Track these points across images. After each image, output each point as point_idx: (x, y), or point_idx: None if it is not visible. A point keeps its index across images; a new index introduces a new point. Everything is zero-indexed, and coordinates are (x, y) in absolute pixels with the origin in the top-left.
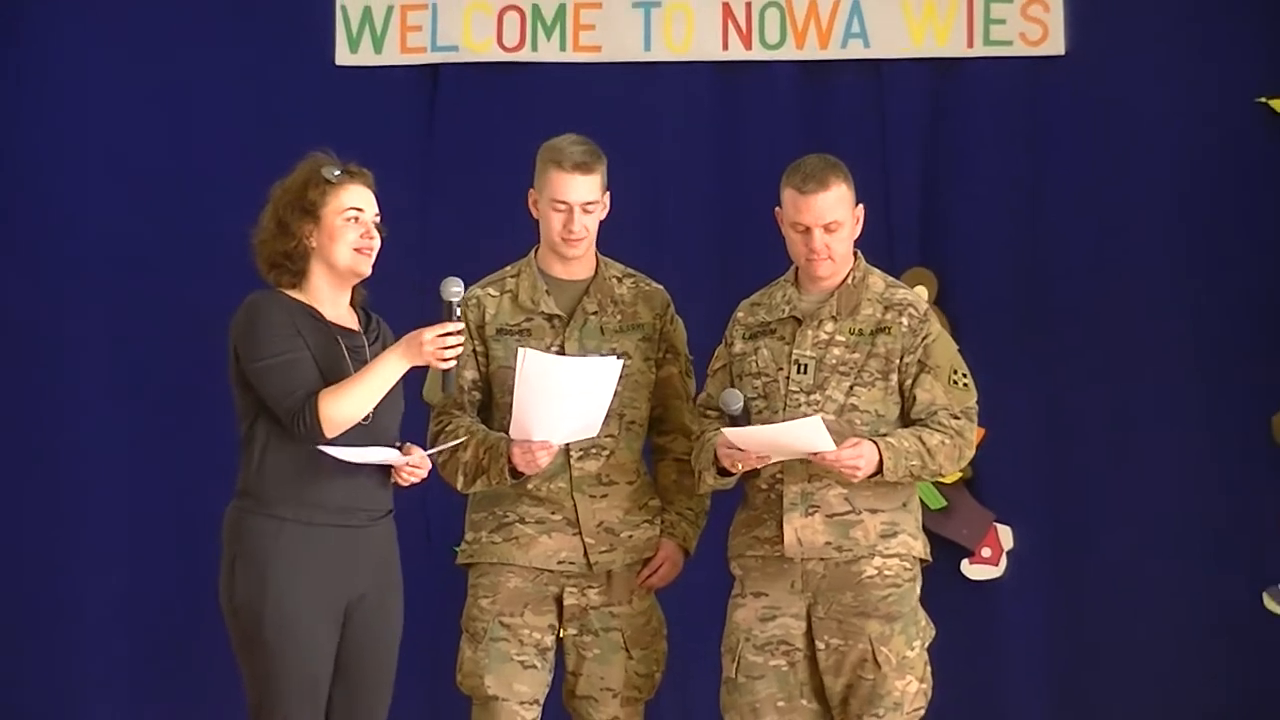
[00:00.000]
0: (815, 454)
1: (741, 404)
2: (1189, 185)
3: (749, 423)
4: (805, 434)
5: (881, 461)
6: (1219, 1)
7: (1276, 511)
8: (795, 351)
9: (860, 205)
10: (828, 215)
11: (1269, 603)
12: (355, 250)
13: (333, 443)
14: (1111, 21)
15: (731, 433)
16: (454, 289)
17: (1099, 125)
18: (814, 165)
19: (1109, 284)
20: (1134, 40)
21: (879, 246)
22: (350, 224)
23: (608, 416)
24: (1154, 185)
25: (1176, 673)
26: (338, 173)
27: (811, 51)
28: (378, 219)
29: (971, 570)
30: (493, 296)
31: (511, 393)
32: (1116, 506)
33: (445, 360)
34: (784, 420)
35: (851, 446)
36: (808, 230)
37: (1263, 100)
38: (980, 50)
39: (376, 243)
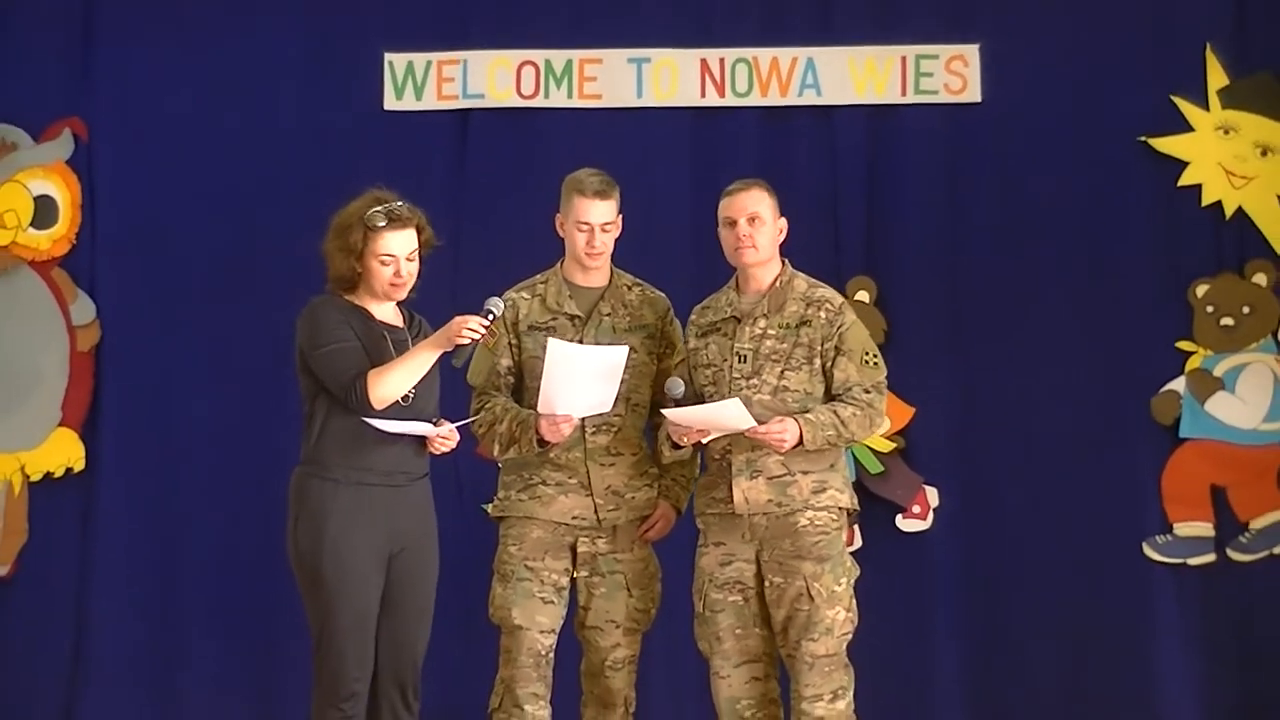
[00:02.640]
0: (745, 430)
1: (682, 390)
2: (1082, 208)
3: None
4: (729, 413)
5: (802, 434)
6: (1108, 57)
7: (1154, 476)
8: (736, 345)
9: (783, 218)
10: (750, 208)
11: (1147, 551)
12: (390, 285)
13: (379, 416)
14: (1019, 75)
15: (671, 413)
16: (495, 301)
17: (1008, 160)
18: (739, 180)
19: (1017, 288)
20: (1037, 90)
21: (828, 258)
22: (384, 267)
23: (617, 398)
24: (1053, 208)
25: (1071, 607)
26: (381, 222)
27: (774, 99)
28: (417, 254)
29: (904, 524)
30: (525, 299)
31: (539, 378)
32: (1023, 472)
33: (463, 339)
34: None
35: (777, 423)
36: (733, 223)
37: (1143, 139)
38: (912, 98)
39: (408, 279)
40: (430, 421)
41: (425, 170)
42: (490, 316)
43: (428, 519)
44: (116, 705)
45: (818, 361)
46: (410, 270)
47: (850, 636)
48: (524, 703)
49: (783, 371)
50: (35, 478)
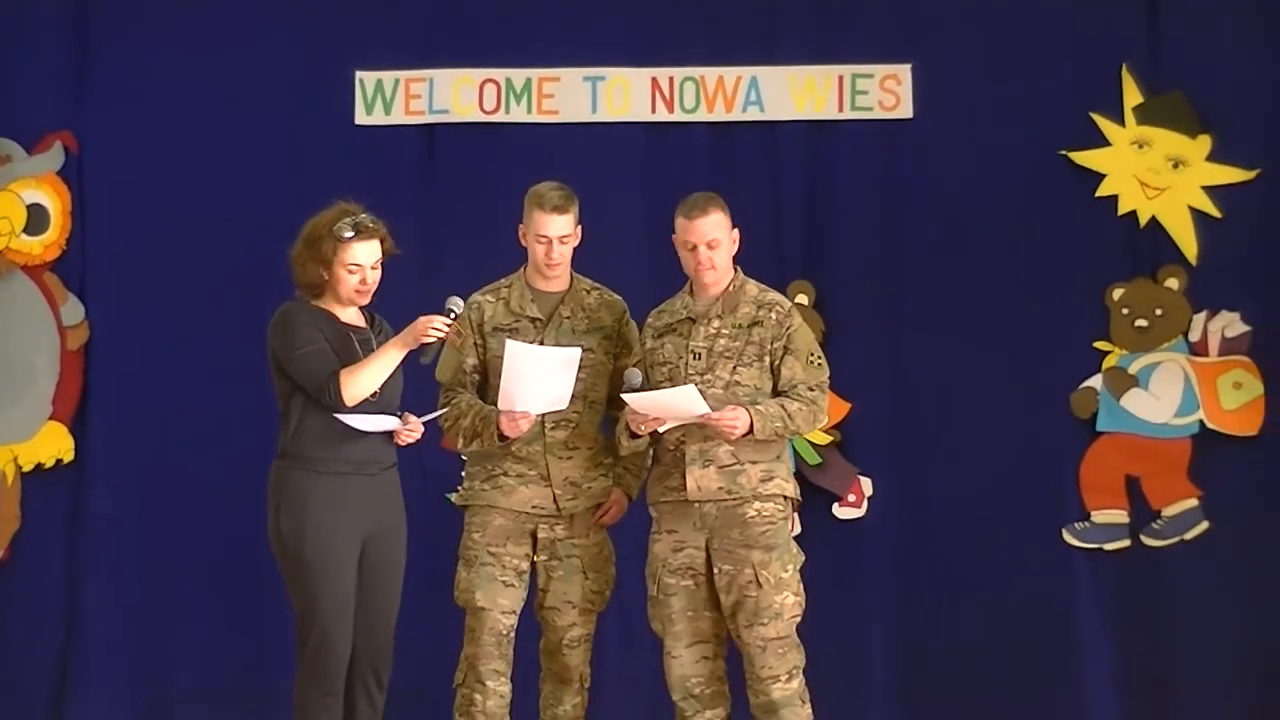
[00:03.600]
0: (700, 416)
1: (640, 380)
2: (1006, 217)
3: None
4: (684, 398)
5: (752, 423)
6: (1031, 76)
7: (1073, 467)
8: (691, 344)
9: (736, 229)
10: (709, 234)
11: (1067, 537)
12: (355, 292)
13: (349, 412)
14: (948, 93)
15: (631, 398)
16: (455, 300)
17: (938, 172)
18: (697, 198)
19: (946, 292)
20: (965, 107)
21: (770, 264)
22: (351, 275)
23: (574, 396)
24: (979, 217)
25: (996, 589)
26: (349, 234)
27: (720, 115)
28: (380, 263)
29: (841, 512)
30: (490, 302)
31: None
32: (952, 464)
33: (428, 337)
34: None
35: (730, 411)
36: (694, 248)
37: (1063, 152)
38: (848, 114)
39: (372, 286)
40: (395, 415)
41: (394, 181)
42: (451, 315)
43: (398, 506)
44: (106, 684)
45: (767, 360)
46: (374, 278)
47: (799, 618)
48: (486, 679)
49: (735, 368)
50: (27, 468)
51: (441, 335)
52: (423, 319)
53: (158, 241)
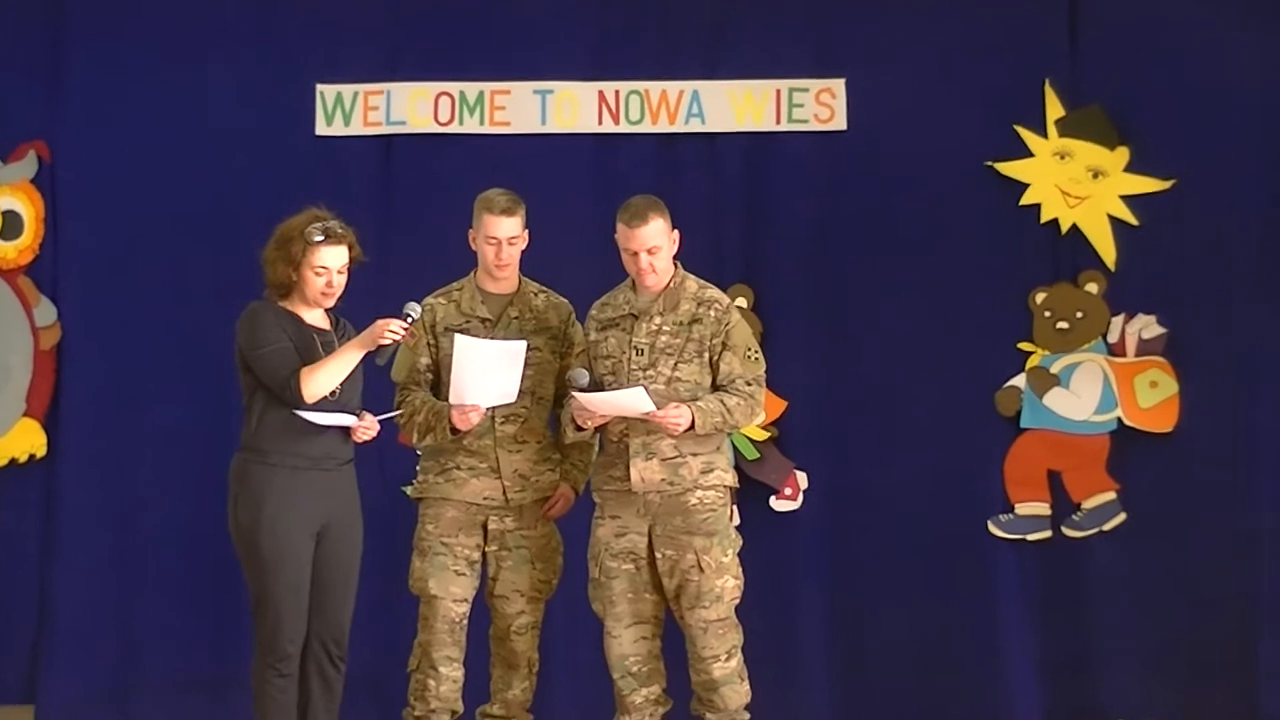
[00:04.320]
0: (646, 414)
1: (586, 380)
2: (935, 223)
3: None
4: (631, 399)
5: (694, 419)
6: (959, 90)
7: (998, 462)
8: (634, 340)
9: (676, 230)
10: (649, 242)
11: (992, 528)
12: (321, 294)
13: (309, 409)
14: (880, 106)
15: (581, 397)
16: (413, 306)
17: (871, 181)
18: (638, 205)
19: (878, 295)
20: (896, 119)
21: (711, 267)
22: (318, 277)
23: (523, 392)
24: (909, 224)
25: (924, 578)
26: (319, 238)
27: (663, 126)
28: (346, 268)
29: (777, 504)
30: (442, 304)
31: None
32: (883, 458)
33: (385, 340)
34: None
35: (674, 409)
36: (635, 254)
37: (988, 163)
38: (785, 126)
39: (337, 290)
40: (354, 413)
41: (353, 189)
42: (409, 319)
43: (354, 499)
44: (78, 670)
45: (706, 355)
46: (340, 282)
47: (738, 601)
48: (439, 664)
49: (676, 364)
50: (2, 463)
51: (398, 338)
52: (380, 322)
53: (126, 246)
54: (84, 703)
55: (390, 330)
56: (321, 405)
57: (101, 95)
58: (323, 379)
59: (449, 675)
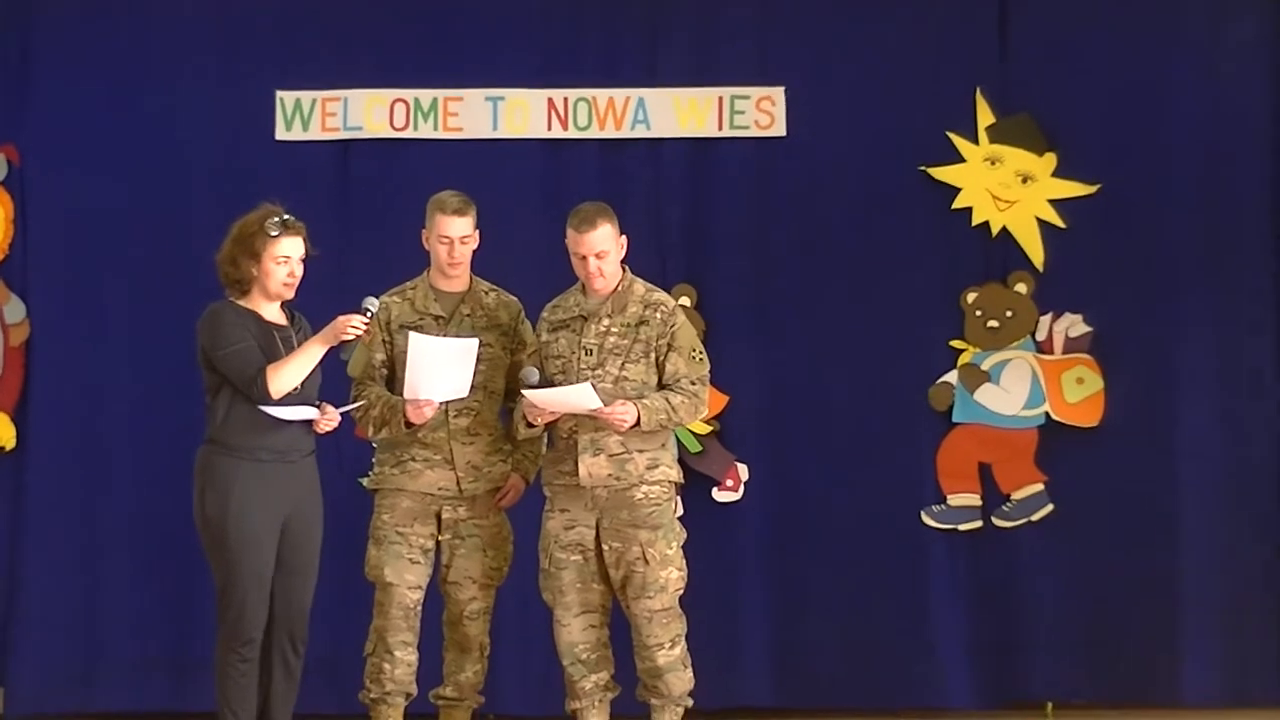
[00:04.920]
0: (593, 410)
1: (537, 377)
2: (871, 226)
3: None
4: (579, 395)
5: (639, 416)
6: (893, 98)
7: (930, 455)
8: (583, 340)
9: (624, 235)
10: (597, 246)
11: (925, 518)
12: (283, 284)
13: (274, 404)
14: (818, 113)
15: (531, 394)
16: (371, 300)
17: (809, 185)
18: (587, 211)
19: (816, 294)
20: (834, 126)
21: (656, 267)
22: (280, 267)
23: (475, 387)
24: (847, 226)
25: (861, 565)
26: (276, 231)
27: (610, 132)
28: (303, 259)
29: (719, 495)
30: (396, 302)
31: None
32: (821, 451)
33: (348, 335)
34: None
35: (620, 406)
36: (584, 258)
37: (922, 168)
38: (727, 132)
39: (297, 279)
40: (314, 406)
41: (311, 192)
42: (368, 313)
43: (315, 490)
44: (46, 655)
45: (653, 356)
46: (299, 272)
47: (682, 591)
48: (394, 649)
49: (623, 364)
50: None
51: (360, 332)
52: (341, 318)
53: (94, 246)
54: (51, 686)
55: (352, 325)
56: (284, 400)
57: (69, 101)
58: (287, 375)
59: (403, 659)
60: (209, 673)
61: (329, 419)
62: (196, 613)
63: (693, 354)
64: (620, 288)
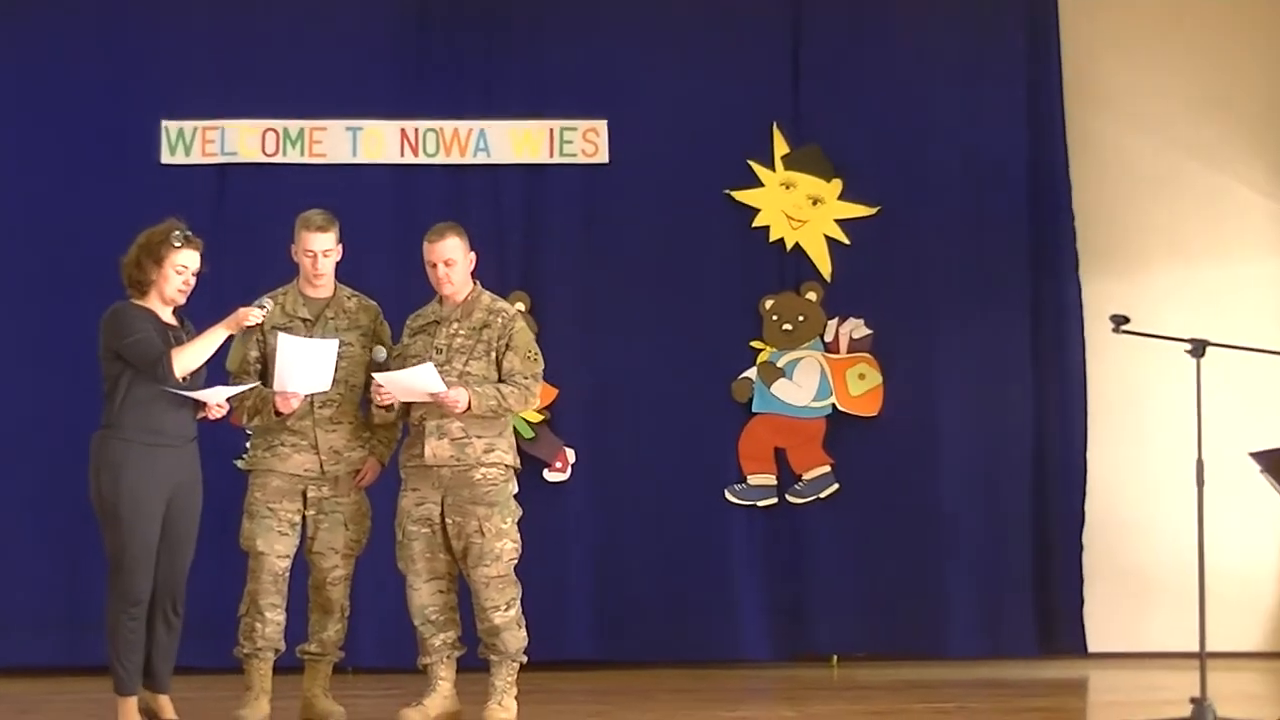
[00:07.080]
0: (433, 394)
1: (384, 356)
2: (682, 241)
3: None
4: (422, 376)
5: (470, 401)
6: (702, 130)
7: (733, 440)
8: (435, 341)
9: (473, 252)
10: (445, 255)
11: (728, 496)
12: (178, 290)
13: (177, 386)
14: (637, 143)
15: (380, 375)
16: (266, 298)
17: (629, 206)
18: (439, 226)
19: (633, 301)
20: (650, 154)
21: (494, 277)
22: (178, 275)
23: (338, 381)
24: (660, 242)
25: (672, 537)
26: (179, 243)
27: (455, 159)
28: (196, 273)
29: (550, 476)
30: (270, 306)
31: None
32: (637, 438)
33: (250, 322)
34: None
35: (454, 390)
36: (434, 265)
37: (726, 191)
38: (558, 159)
39: (190, 289)
40: (204, 389)
41: (192, 210)
42: (263, 309)
43: (196, 471)
44: None
45: (493, 354)
46: (192, 282)
47: (516, 561)
48: (265, 610)
49: (467, 361)
50: None
51: (259, 321)
52: (241, 310)
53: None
54: None
55: (251, 316)
56: (180, 385)
57: None
58: (189, 356)
59: (273, 619)
60: (101, 632)
61: (220, 405)
62: (90, 579)
63: (528, 354)
64: (469, 297)
